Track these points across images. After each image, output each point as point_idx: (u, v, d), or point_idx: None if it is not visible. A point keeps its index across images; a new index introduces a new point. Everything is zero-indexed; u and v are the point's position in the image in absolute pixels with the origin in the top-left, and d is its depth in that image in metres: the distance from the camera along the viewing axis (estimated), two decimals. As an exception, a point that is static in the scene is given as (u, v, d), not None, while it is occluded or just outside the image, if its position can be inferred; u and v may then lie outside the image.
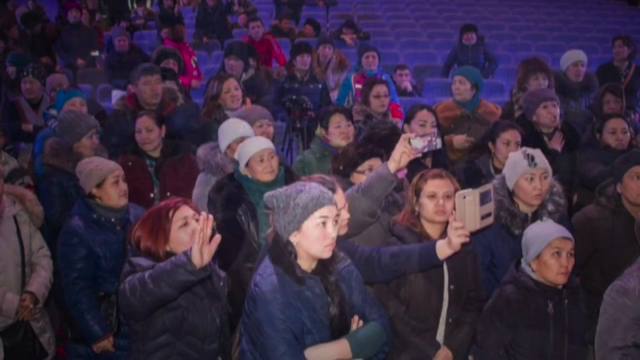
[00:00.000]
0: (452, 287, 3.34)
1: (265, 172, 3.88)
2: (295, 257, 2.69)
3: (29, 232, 3.97)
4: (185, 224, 2.89)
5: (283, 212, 2.66)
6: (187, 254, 2.47)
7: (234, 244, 3.75)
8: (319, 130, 4.78)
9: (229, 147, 4.32)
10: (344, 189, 3.19)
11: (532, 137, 4.78)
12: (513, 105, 5.72)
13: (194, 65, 8.46)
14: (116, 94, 8.06)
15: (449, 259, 2.99)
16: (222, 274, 3.06)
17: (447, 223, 3.00)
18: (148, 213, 2.97)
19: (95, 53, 10.10)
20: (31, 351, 3.91)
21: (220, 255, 3.10)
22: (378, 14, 13.40)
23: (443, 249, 2.90)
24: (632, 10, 14.68)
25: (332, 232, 2.66)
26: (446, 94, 7.38)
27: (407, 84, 8.44)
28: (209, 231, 2.44)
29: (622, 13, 14.12)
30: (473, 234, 2.95)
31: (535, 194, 3.64)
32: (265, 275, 2.68)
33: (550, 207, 3.71)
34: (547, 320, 3.23)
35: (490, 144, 4.59)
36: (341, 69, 7.94)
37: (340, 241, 2.94)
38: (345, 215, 3.06)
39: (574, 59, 6.35)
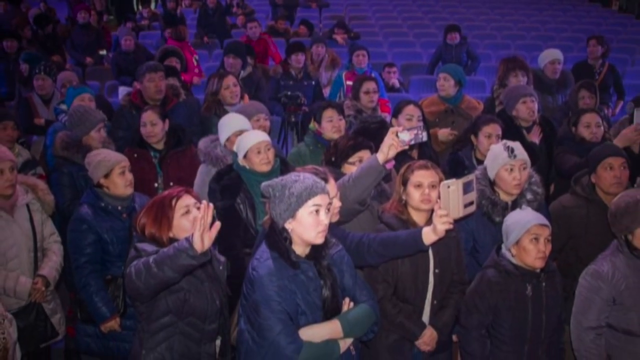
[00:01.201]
0: (437, 270, 3.33)
1: (262, 163, 3.86)
2: (290, 243, 2.69)
3: (41, 220, 3.97)
4: (187, 212, 2.87)
5: (279, 201, 2.65)
6: (189, 240, 2.46)
7: (233, 230, 3.74)
8: (312, 124, 4.76)
9: (228, 139, 4.29)
10: (336, 179, 3.18)
11: (511, 131, 4.77)
12: (494, 100, 5.71)
13: (195, 63, 8.41)
14: (122, 90, 8.06)
15: (434, 244, 2.98)
16: (222, 258, 3.04)
17: (432, 211, 2.99)
18: (152, 201, 2.95)
19: (103, 52, 10.08)
20: (43, 331, 3.93)
21: (220, 241, 3.09)
22: (368, 15, 13.37)
23: (428, 235, 2.88)
24: (605, 12, 14.68)
25: (324, 219, 2.65)
26: (431, 90, 7.34)
27: (394, 81, 8.41)
28: (209, 218, 2.43)
29: (596, 14, 14.11)
30: (457, 221, 2.93)
31: (514, 183, 3.64)
32: (262, 259, 2.68)
33: (529, 196, 3.71)
34: (526, 302, 3.23)
35: (472, 137, 4.58)
36: (333, 66, 7.93)
37: (332, 228, 2.93)
38: (337, 203, 3.05)
39: (551, 58, 6.36)
